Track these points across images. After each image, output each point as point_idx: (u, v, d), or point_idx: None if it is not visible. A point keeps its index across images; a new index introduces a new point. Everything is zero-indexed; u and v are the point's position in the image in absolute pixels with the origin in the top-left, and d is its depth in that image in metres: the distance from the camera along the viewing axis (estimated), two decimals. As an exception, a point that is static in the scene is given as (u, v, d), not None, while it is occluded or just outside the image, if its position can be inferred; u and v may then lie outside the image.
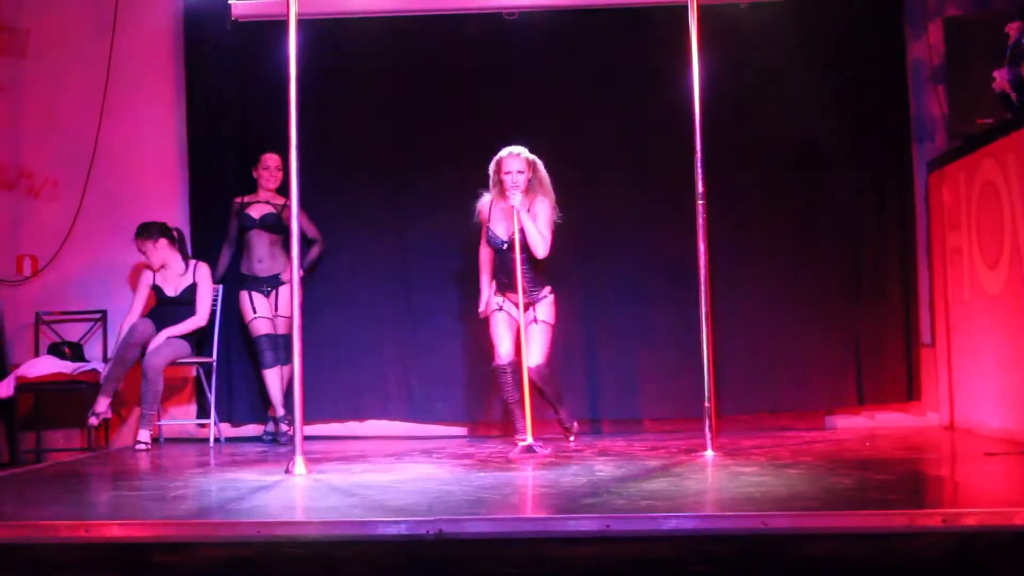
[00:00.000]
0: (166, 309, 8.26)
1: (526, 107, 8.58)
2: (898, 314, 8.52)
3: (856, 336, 8.51)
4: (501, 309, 7.49)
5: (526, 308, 7.36)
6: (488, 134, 8.45)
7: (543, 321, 7.41)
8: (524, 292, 7.31)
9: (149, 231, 8.25)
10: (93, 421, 7.96)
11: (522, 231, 7.28)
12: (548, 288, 7.46)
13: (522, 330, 7.38)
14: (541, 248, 7.33)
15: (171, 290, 8.29)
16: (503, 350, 7.45)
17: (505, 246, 7.39)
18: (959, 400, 8.24)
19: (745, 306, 8.42)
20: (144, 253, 8.25)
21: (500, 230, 7.44)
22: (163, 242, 8.26)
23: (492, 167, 7.45)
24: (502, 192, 7.39)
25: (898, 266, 8.53)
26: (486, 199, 7.55)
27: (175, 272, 8.33)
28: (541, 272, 7.45)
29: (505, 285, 7.45)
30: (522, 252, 7.30)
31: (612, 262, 8.57)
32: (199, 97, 8.82)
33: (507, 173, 7.34)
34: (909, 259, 8.56)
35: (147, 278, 8.32)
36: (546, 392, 7.46)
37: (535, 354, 7.35)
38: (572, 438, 7.81)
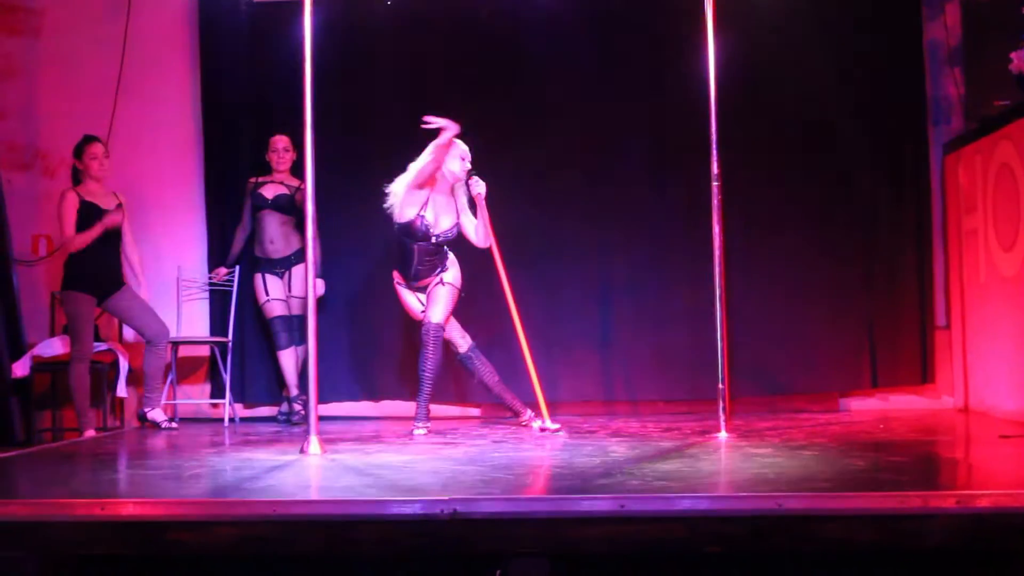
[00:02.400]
0: (107, 232, 7.88)
1: (541, 89, 8.59)
2: (913, 297, 8.51)
3: (871, 318, 8.51)
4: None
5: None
6: (503, 114, 8.51)
7: (449, 283, 7.46)
8: (435, 273, 7.46)
9: (94, 137, 8.02)
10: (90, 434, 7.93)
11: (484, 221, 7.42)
12: (450, 255, 7.51)
13: (428, 295, 7.48)
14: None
15: (110, 203, 7.94)
16: (459, 345, 7.59)
17: (435, 239, 7.41)
18: (974, 383, 8.23)
19: (760, 288, 8.41)
20: (96, 158, 7.88)
21: (430, 218, 7.38)
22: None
23: (458, 156, 7.40)
24: (432, 182, 7.37)
25: (913, 248, 8.52)
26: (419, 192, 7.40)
27: (105, 188, 7.99)
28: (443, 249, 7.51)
29: (414, 276, 7.49)
30: (437, 243, 7.41)
31: (626, 244, 8.56)
32: (214, 78, 8.83)
33: (468, 161, 7.41)
34: (924, 241, 8.55)
35: (73, 201, 7.80)
36: (427, 352, 7.35)
37: (436, 313, 7.39)
38: (420, 427, 7.38)
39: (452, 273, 7.49)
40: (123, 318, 8.16)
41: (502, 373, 7.73)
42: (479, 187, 7.40)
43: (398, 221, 7.39)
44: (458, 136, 7.31)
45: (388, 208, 7.42)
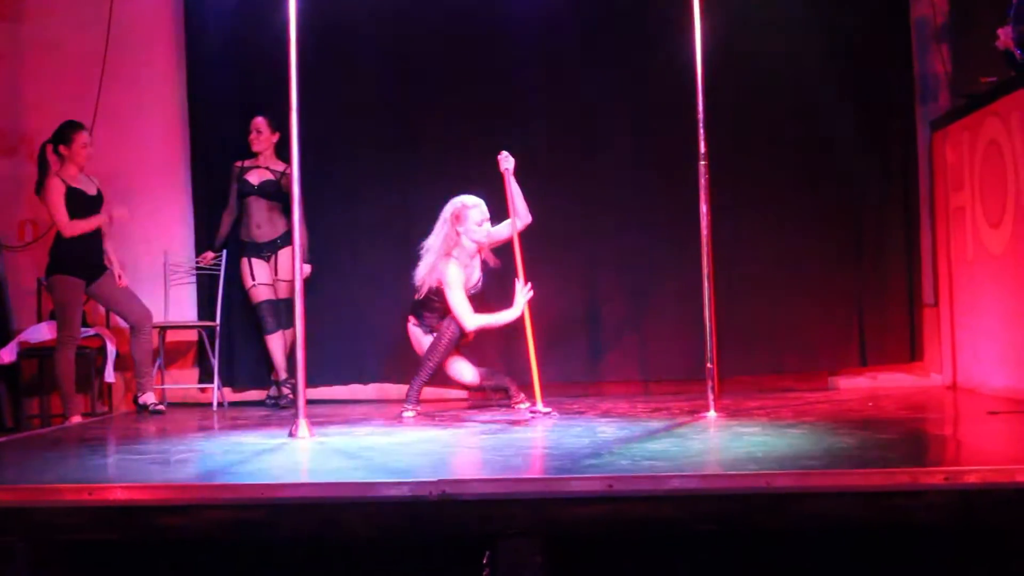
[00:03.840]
0: (93, 213, 7.84)
1: (526, 71, 8.57)
2: (901, 274, 8.53)
3: (859, 297, 8.53)
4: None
5: None
6: (488, 99, 8.50)
7: None
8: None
9: (80, 124, 7.93)
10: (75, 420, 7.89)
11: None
12: None
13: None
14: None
15: (92, 189, 7.90)
16: (468, 378, 7.64)
17: (470, 293, 7.51)
18: (962, 360, 8.24)
19: (748, 267, 8.40)
20: (86, 146, 7.82)
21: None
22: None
23: (477, 222, 7.43)
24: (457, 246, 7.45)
25: (901, 226, 8.53)
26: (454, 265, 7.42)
27: (86, 173, 7.93)
28: None
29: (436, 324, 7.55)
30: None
31: (615, 224, 8.55)
32: (200, 61, 8.78)
33: (487, 220, 7.48)
34: (912, 219, 8.56)
35: (59, 187, 7.72)
36: (441, 342, 7.44)
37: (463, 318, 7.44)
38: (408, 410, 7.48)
39: None
40: (107, 303, 8.14)
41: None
42: (508, 163, 7.42)
43: (429, 285, 7.45)
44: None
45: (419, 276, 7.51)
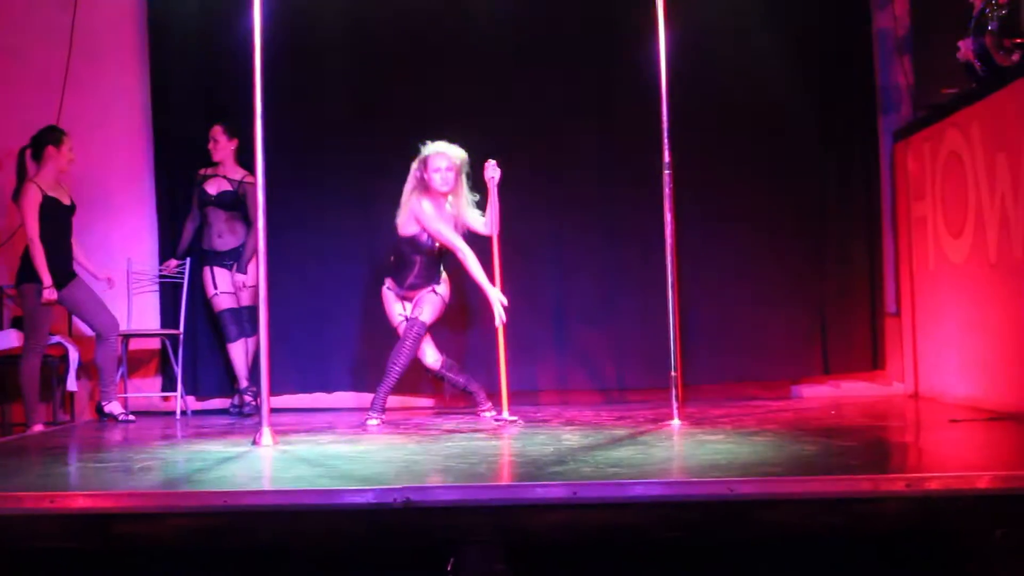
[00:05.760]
0: (66, 222, 7.84)
1: (489, 79, 8.56)
2: (863, 284, 8.58)
3: (822, 306, 8.57)
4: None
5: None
6: (454, 108, 8.45)
7: (440, 294, 7.47)
8: (429, 285, 7.44)
9: (61, 129, 7.92)
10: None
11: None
12: (443, 272, 7.53)
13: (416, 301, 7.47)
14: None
15: (67, 199, 7.87)
16: (429, 359, 7.54)
17: (439, 248, 7.42)
18: (924, 369, 8.30)
19: (712, 276, 8.44)
20: (71, 150, 7.84)
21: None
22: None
23: (431, 170, 7.36)
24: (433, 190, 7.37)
25: (863, 236, 8.58)
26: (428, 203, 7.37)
27: (62, 181, 7.92)
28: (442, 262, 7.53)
29: (409, 286, 7.47)
30: (440, 252, 7.43)
31: (579, 233, 8.57)
32: (163, 68, 8.74)
33: (445, 170, 7.36)
34: (874, 229, 8.61)
35: (36, 196, 7.65)
36: (404, 346, 7.35)
37: (423, 313, 7.38)
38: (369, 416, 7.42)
39: (444, 287, 7.49)
40: (73, 310, 8.08)
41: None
42: (494, 172, 7.39)
43: (402, 234, 7.38)
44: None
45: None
